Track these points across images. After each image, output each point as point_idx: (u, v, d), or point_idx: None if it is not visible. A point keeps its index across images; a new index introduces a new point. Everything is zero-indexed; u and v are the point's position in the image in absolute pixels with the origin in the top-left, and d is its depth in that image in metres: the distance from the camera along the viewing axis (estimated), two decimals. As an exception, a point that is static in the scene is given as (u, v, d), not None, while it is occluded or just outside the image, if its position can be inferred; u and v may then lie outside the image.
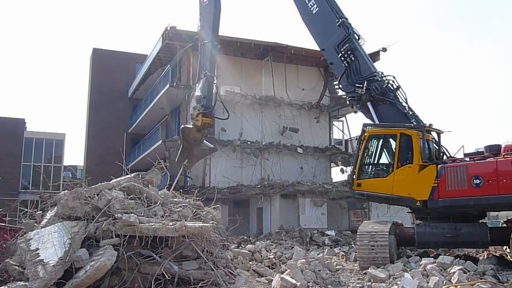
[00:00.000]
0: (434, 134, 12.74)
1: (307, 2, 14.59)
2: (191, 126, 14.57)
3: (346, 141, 30.07)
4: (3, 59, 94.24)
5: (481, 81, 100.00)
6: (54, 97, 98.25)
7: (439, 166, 11.38)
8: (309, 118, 27.94)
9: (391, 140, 12.36)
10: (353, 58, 13.39)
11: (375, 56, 27.79)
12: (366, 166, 12.58)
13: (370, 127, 12.57)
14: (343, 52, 13.47)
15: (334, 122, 30.29)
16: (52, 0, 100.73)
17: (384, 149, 12.64)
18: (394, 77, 13.22)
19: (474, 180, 10.74)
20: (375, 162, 12.69)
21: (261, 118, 26.88)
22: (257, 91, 26.92)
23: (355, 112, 15.73)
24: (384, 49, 26.37)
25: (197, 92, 15.01)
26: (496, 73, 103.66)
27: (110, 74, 40.76)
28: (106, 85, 40.53)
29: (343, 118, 30.14)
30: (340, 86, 14.08)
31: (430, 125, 12.47)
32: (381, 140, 12.65)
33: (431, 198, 11.24)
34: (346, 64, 13.45)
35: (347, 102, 14.17)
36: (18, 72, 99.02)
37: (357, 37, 13.72)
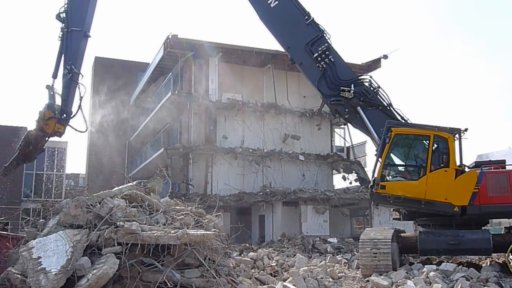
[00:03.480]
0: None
1: None
2: (40, 133, 11.48)
3: (348, 148, 30.11)
4: (5, 67, 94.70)
5: (480, 88, 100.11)
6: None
7: (477, 171, 11.26)
8: (310, 125, 27.99)
9: (422, 141, 11.82)
10: (332, 60, 12.85)
11: (376, 63, 27.95)
12: (392, 167, 12.06)
13: (396, 126, 11.83)
14: (319, 53, 12.84)
15: (335, 129, 30.36)
16: (53, 8, 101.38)
17: (413, 150, 12.10)
18: (370, 81, 12.99)
19: None
20: (403, 163, 12.24)
21: (262, 126, 26.94)
22: (258, 98, 27.03)
23: (342, 119, 14.55)
24: (385, 56, 26.54)
25: (55, 91, 11.89)
26: (496, 81, 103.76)
27: (112, 82, 40.88)
28: (108, 93, 40.62)
29: (344, 125, 30.17)
30: (319, 89, 13.19)
31: (466, 129, 11.90)
32: (410, 140, 12.07)
33: (471, 203, 11.05)
34: (324, 66, 12.85)
35: (329, 106, 13.30)
36: (19, 80, 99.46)
37: (328, 37, 13.11)
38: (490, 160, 11.89)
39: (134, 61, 42.07)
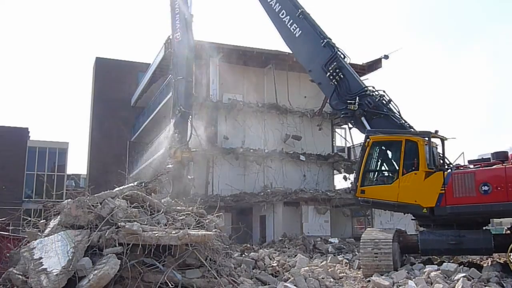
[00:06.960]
0: (437, 141, 12.71)
1: (289, 27, 14.84)
2: (177, 165, 15.41)
3: (349, 148, 30.08)
4: (7, 68, 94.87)
5: (478, 89, 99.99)
6: (57, 106, 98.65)
7: (445, 172, 11.35)
8: (311, 126, 27.96)
9: (396, 146, 12.22)
10: (342, 76, 13.54)
11: (377, 63, 27.93)
12: (370, 173, 12.49)
13: (374, 134, 12.40)
14: (331, 71, 13.62)
15: (336, 130, 30.32)
16: (55, 9, 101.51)
17: (389, 156, 12.60)
18: (384, 91, 13.42)
19: (483, 187, 10.71)
20: (380, 168, 12.67)
21: (263, 126, 26.93)
22: (259, 99, 27.02)
23: (350, 128, 15.81)
24: (386, 56, 26.51)
25: (171, 132, 16.15)
26: (491, 82, 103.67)
27: (113, 83, 40.90)
28: (109, 94, 40.68)
29: (345, 126, 30.11)
30: (332, 105, 14.31)
31: (436, 131, 12.32)
32: (386, 146, 12.59)
33: (438, 205, 11.19)
34: (336, 83, 13.58)
35: (341, 120, 14.49)
36: (21, 81, 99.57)
37: (343, 56, 13.93)
38: (482, 158, 11.88)
39: (135, 62, 42.10)
